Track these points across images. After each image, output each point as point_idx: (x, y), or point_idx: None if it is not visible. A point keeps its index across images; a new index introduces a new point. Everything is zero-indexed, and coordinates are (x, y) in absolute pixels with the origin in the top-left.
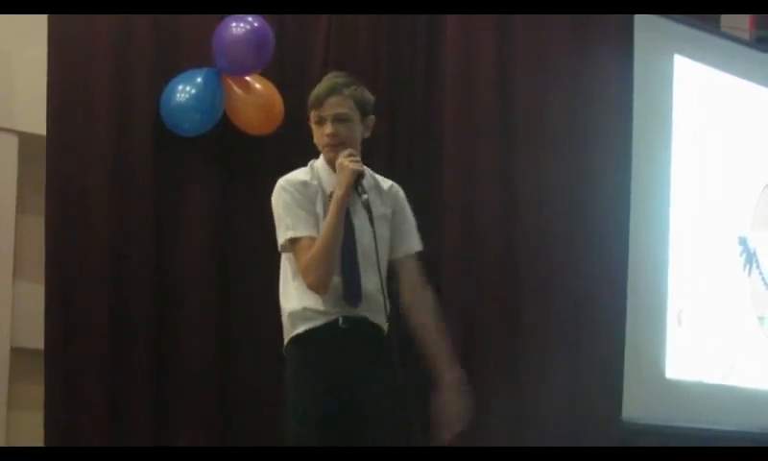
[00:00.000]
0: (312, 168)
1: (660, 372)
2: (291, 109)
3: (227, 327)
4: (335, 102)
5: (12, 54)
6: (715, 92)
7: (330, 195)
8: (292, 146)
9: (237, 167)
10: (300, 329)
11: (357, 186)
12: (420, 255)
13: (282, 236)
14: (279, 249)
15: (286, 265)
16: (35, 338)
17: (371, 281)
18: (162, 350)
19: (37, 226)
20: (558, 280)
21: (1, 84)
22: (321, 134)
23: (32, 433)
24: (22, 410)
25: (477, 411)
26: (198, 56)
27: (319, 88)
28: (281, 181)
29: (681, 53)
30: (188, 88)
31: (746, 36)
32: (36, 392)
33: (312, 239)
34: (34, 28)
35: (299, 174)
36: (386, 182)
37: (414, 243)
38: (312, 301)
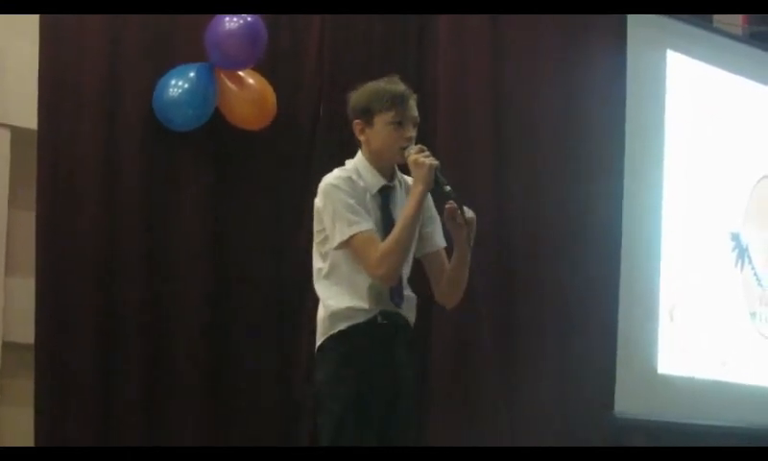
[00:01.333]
0: (353, 167)
1: (652, 367)
2: (283, 105)
3: (220, 321)
4: (413, 105)
5: (3, 48)
6: (708, 88)
7: (379, 191)
8: (284, 141)
9: (230, 162)
10: (343, 326)
11: (437, 180)
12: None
13: (345, 232)
14: (336, 246)
15: (320, 262)
16: (26, 333)
17: (405, 277)
18: (154, 344)
19: (30, 220)
20: (550, 277)
21: None
22: (398, 136)
23: (23, 428)
24: (13, 405)
25: (467, 407)
26: (191, 50)
27: (397, 87)
28: (332, 180)
29: (674, 48)
30: (181, 83)
31: (739, 31)
32: (27, 387)
33: (374, 232)
34: (25, 23)
35: (342, 172)
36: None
37: (442, 238)
38: (354, 299)
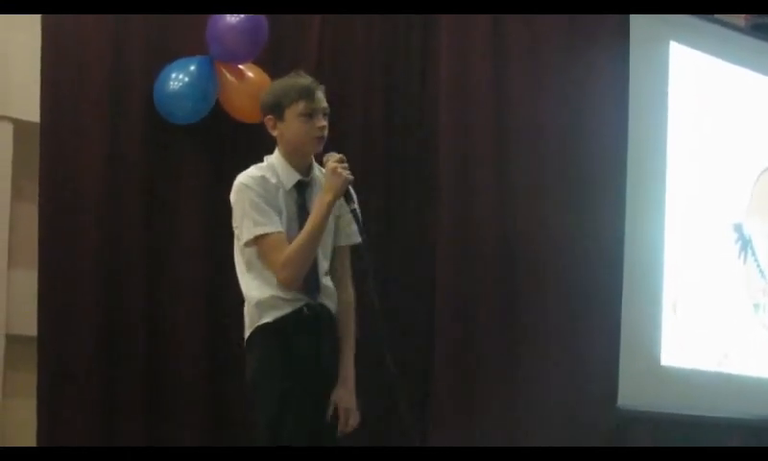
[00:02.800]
0: (269, 164)
1: (656, 359)
2: None
3: (221, 311)
4: (322, 97)
5: (6, 41)
6: (711, 79)
7: (295, 188)
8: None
9: (230, 155)
10: (269, 318)
11: (347, 195)
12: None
13: (250, 232)
14: (244, 245)
15: (239, 258)
16: (30, 325)
17: (323, 269)
18: (156, 336)
19: (32, 213)
20: (554, 270)
21: None
22: (310, 127)
23: (26, 420)
24: (17, 397)
25: (471, 399)
26: (191, 43)
27: (304, 80)
28: (242, 179)
29: (677, 40)
30: (181, 76)
31: (741, 23)
32: (31, 379)
33: (281, 234)
34: (28, 15)
35: (256, 170)
36: None
37: (354, 235)
38: (278, 289)
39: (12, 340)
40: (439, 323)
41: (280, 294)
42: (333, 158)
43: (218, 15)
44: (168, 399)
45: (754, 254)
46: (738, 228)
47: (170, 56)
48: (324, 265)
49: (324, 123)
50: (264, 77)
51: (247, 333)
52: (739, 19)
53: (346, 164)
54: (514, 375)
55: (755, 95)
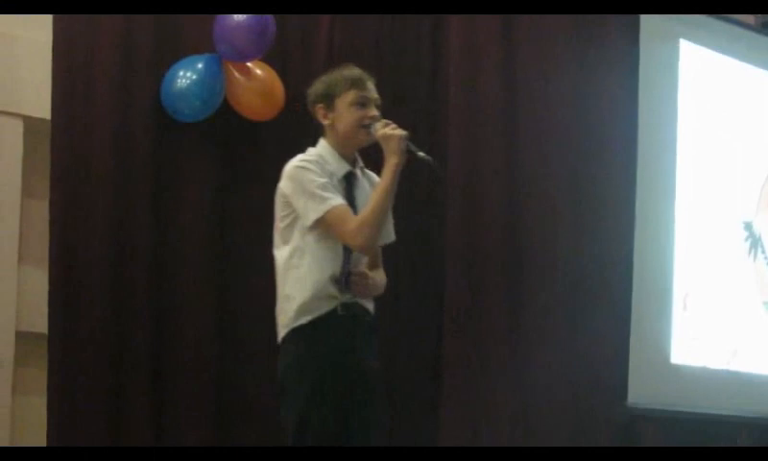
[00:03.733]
0: (317, 154)
1: (666, 357)
2: (292, 95)
3: (227, 310)
4: (372, 87)
5: (16, 38)
6: (721, 77)
7: (344, 176)
8: (293, 132)
9: (238, 153)
10: (304, 320)
11: (410, 149)
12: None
13: (320, 209)
14: (311, 225)
15: (282, 249)
16: (40, 322)
17: (361, 264)
18: (164, 334)
19: (43, 210)
20: (563, 266)
21: (6, 68)
22: (361, 115)
23: (36, 418)
24: (27, 394)
25: (480, 394)
26: (199, 41)
27: (354, 71)
28: (299, 163)
29: (686, 38)
30: (189, 74)
31: (751, 21)
32: (40, 376)
33: (348, 207)
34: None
35: (309, 156)
36: (374, 175)
37: (392, 234)
38: (319, 286)
39: (22, 337)
40: (447, 323)
41: (321, 292)
42: (380, 126)
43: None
44: (176, 396)
45: (764, 252)
46: (748, 226)
47: (178, 54)
48: (360, 260)
49: (376, 112)
50: (272, 74)
51: (282, 333)
52: (749, 17)
53: (393, 125)
54: (522, 372)
55: (765, 93)
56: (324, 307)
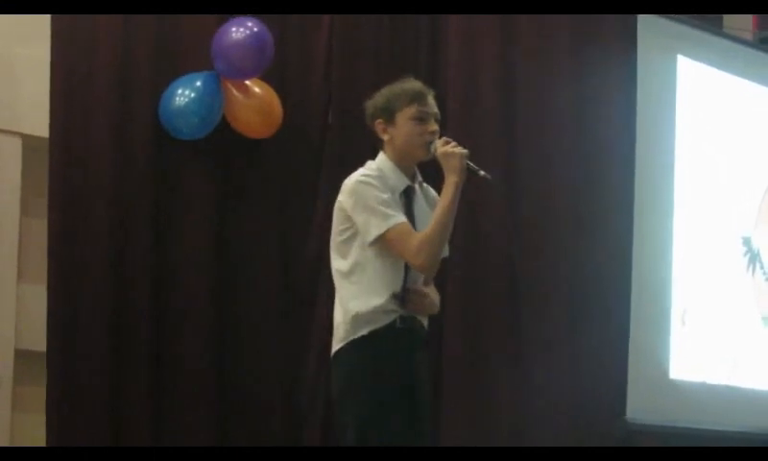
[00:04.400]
0: (377, 168)
1: (664, 372)
2: (290, 113)
3: (226, 328)
4: (433, 102)
5: (15, 56)
6: (718, 93)
7: (404, 191)
8: (291, 150)
9: (236, 171)
10: (364, 332)
11: (470, 167)
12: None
13: (382, 226)
14: (371, 241)
15: (340, 262)
16: (39, 340)
17: (419, 280)
18: (162, 351)
19: (41, 228)
20: (561, 281)
21: (5, 86)
22: (421, 130)
23: (36, 435)
24: (26, 412)
25: (480, 410)
26: (197, 59)
27: (415, 85)
28: (361, 178)
29: (684, 53)
30: (188, 92)
31: (749, 36)
32: (40, 394)
33: (409, 225)
34: (36, 30)
35: (370, 171)
36: (432, 190)
37: (446, 248)
38: (378, 299)
39: (21, 355)
40: (447, 336)
41: (380, 305)
42: (440, 143)
43: (223, 31)
44: (176, 415)
45: (762, 267)
46: (747, 241)
47: (176, 71)
48: (416, 274)
49: (436, 127)
50: (270, 92)
51: (337, 346)
52: (747, 33)
53: (454, 143)
54: (520, 387)
55: (763, 108)
56: (384, 319)
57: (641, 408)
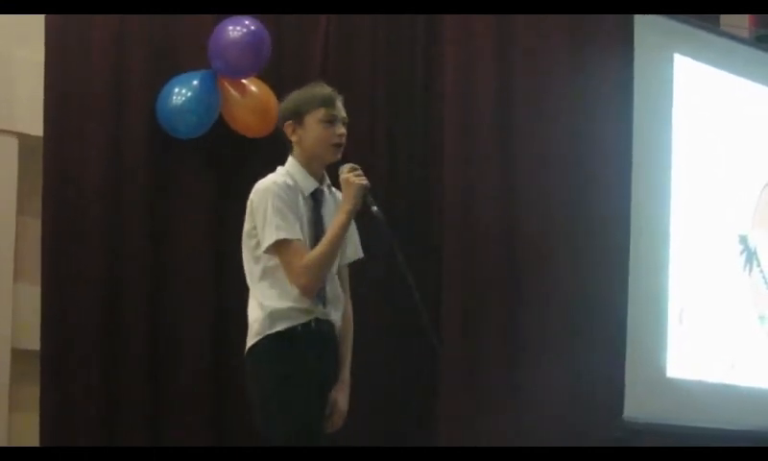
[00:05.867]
0: (286, 172)
1: (662, 371)
2: None
3: (223, 328)
4: (341, 106)
5: (10, 56)
6: (715, 91)
7: (312, 194)
8: (287, 149)
9: (233, 169)
10: (281, 327)
11: (366, 200)
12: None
13: (272, 236)
14: (264, 250)
15: (252, 266)
16: (35, 340)
17: (335, 283)
18: (159, 351)
19: (38, 228)
20: (558, 280)
21: (1, 85)
22: (330, 134)
23: (33, 434)
24: (23, 411)
25: (477, 410)
26: (194, 58)
27: (324, 89)
28: (267, 183)
29: (681, 52)
30: (184, 91)
31: (746, 34)
32: (36, 393)
33: (301, 242)
34: (32, 30)
35: (278, 177)
36: (339, 194)
37: (359, 250)
38: (294, 301)
39: (17, 355)
40: (445, 336)
41: (297, 305)
42: (346, 169)
43: (220, 30)
44: (171, 413)
45: (759, 265)
46: (744, 239)
47: (173, 70)
48: (332, 273)
49: (343, 131)
50: (267, 91)
51: (252, 341)
52: (744, 31)
53: (359, 172)
54: (517, 386)
55: (760, 107)
56: (302, 317)
57: (639, 407)
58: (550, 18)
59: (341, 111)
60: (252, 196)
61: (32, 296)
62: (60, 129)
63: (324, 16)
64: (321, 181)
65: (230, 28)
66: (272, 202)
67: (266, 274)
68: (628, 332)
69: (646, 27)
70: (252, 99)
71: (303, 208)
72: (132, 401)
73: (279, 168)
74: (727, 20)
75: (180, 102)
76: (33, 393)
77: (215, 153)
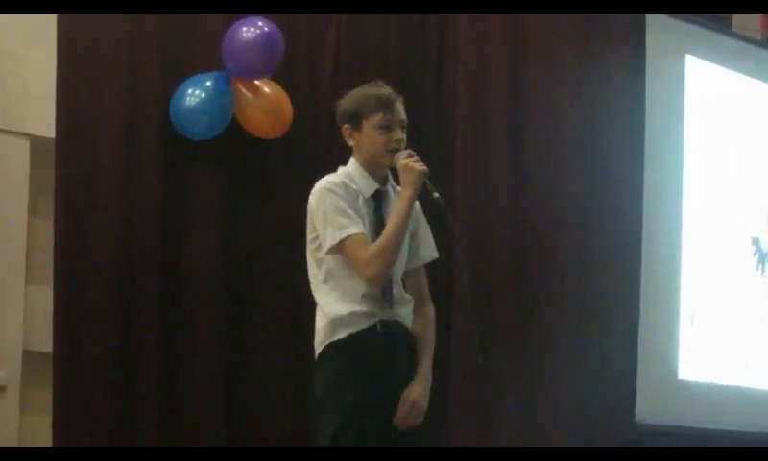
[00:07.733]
0: (345, 172)
1: (673, 373)
2: (300, 113)
3: (236, 328)
4: (400, 108)
5: (22, 57)
6: (727, 92)
7: (373, 195)
8: (301, 150)
9: (246, 170)
10: (343, 335)
11: (426, 186)
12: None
13: (336, 236)
14: (327, 252)
15: (315, 269)
16: (47, 342)
17: (400, 285)
18: (171, 352)
19: (50, 229)
20: (570, 282)
21: (12, 87)
22: (387, 139)
23: (45, 437)
24: (34, 413)
25: (488, 412)
26: (207, 59)
27: (383, 91)
28: (325, 184)
29: (692, 53)
30: (198, 92)
31: (758, 35)
32: (48, 395)
33: (365, 235)
34: (43, 31)
35: (335, 176)
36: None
37: (433, 250)
38: (355, 304)
39: (29, 356)
40: (454, 339)
41: (358, 309)
42: (403, 156)
43: (234, 31)
44: (185, 415)
45: None
46: (756, 241)
47: (186, 72)
48: (398, 276)
49: (402, 136)
50: (280, 92)
51: (318, 349)
52: (756, 32)
53: (416, 157)
54: (529, 388)
55: None
56: (363, 322)
57: (651, 409)
58: (561, 18)
59: (399, 114)
60: (309, 199)
61: (44, 297)
62: (72, 130)
63: (336, 17)
64: (383, 182)
65: (244, 29)
66: (330, 201)
67: (328, 277)
68: (640, 334)
69: (658, 28)
70: (265, 100)
71: (364, 209)
72: (144, 402)
73: (341, 168)
74: (739, 21)
75: (193, 103)
76: (44, 394)
77: (228, 154)
